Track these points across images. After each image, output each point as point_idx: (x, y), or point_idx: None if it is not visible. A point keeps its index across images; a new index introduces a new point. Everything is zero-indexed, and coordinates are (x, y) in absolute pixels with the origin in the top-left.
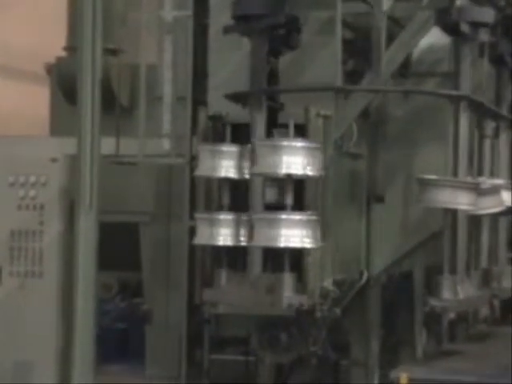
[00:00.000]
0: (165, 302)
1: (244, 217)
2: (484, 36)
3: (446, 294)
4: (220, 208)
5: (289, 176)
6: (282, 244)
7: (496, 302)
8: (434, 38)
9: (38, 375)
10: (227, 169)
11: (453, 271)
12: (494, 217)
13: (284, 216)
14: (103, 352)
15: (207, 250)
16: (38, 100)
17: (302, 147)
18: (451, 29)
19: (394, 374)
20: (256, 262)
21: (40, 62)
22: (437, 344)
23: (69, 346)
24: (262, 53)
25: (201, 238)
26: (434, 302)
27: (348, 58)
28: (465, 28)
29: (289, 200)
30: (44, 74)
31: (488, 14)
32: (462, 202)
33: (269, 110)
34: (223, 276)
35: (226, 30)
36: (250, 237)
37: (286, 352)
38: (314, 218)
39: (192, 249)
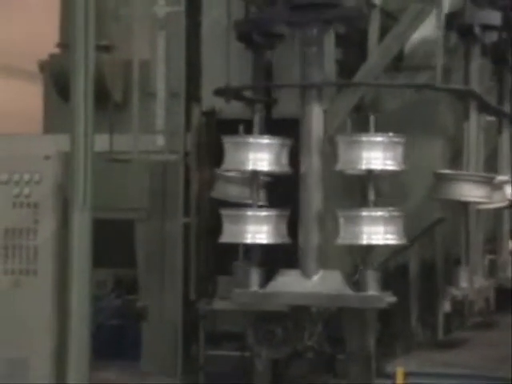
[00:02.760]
0: (160, 299)
1: (277, 213)
2: (492, 37)
3: (464, 283)
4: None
5: (369, 171)
6: (365, 241)
7: (491, 294)
8: (427, 31)
9: (33, 373)
10: (255, 162)
11: (466, 262)
12: (499, 209)
13: (365, 213)
14: (98, 349)
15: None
16: (30, 97)
17: (382, 142)
18: (462, 31)
19: (390, 367)
20: (312, 259)
21: (33, 59)
22: (432, 337)
23: (64, 344)
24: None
25: (227, 236)
26: (454, 291)
27: (341, 52)
28: (477, 31)
29: (371, 196)
30: (37, 71)
31: (496, 17)
32: (477, 195)
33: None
34: (254, 274)
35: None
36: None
37: (282, 347)
38: (396, 214)
39: (187, 245)
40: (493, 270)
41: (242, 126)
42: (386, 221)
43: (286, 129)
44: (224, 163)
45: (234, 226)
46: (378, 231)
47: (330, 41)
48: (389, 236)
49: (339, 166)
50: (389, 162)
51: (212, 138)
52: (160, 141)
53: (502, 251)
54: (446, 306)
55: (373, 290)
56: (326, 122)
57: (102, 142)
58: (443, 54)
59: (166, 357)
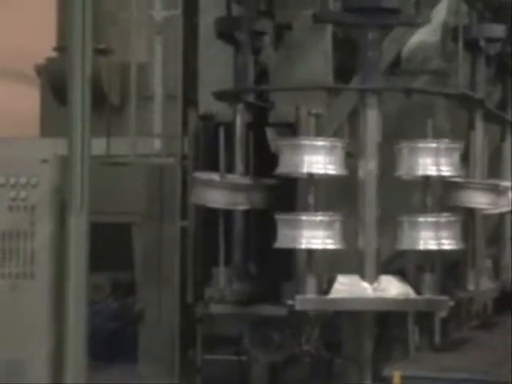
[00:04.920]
0: (157, 302)
1: (333, 217)
2: (497, 49)
3: (470, 286)
4: (304, 208)
5: (426, 178)
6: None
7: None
8: (424, 35)
9: (30, 375)
10: (310, 164)
11: (473, 265)
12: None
13: (424, 219)
14: (96, 352)
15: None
16: (27, 101)
17: (438, 148)
18: (468, 43)
19: (387, 371)
20: (373, 264)
21: (30, 62)
22: (430, 341)
23: (61, 347)
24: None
25: (282, 241)
26: (461, 293)
27: (339, 56)
28: (483, 44)
29: (429, 201)
30: (34, 74)
31: (500, 30)
32: (485, 202)
33: (259, 109)
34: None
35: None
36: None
37: (279, 351)
38: (452, 219)
39: (184, 249)
40: (496, 272)
41: (222, 128)
42: (442, 226)
43: (283, 133)
44: (279, 167)
45: (289, 230)
46: (434, 236)
47: (327, 43)
48: (444, 241)
49: (401, 172)
50: (444, 168)
51: (209, 141)
52: (157, 144)
53: (504, 254)
54: None
55: (430, 294)
56: (322, 127)
57: (99, 145)
58: (440, 58)
59: (163, 360)
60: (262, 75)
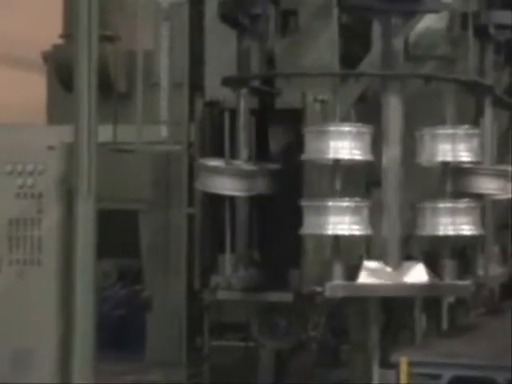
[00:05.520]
0: (164, 289)
1: (359, 203)
2: (506, 36)
3: (480, 271)
4: (330, 194)
5: (445, 164)
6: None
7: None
8: (431, 21)
9: (38, 362)
10: (337, 150)
11: (482, 250)
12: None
13: (449, 205)
14: (103, 339)
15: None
16: (34, 88)
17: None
18: (478, 30)
19: (394, 357)
20: (397, 251)
21: (36, 49)
22: (437, 327)
23: (69, 334)
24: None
25: (308, 228)
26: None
27: (345, 42)
28: (492, 31)
29: (449, 188)
30: (40, 61)
31: (509, 16)
32: (494, 187)
33: (266, 95)
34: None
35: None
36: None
37: (286, 338)
38: (472, 205)
39: (191, 235)
40: (505, 258)
41: (227, 114)
42: (461, 212)
43: (290, 119)
44: (305, 153)
45: (315, 217)
46: (457, 222)
47: (333, 30)
48: (463, 227)
49: (422, 159)
50: (464, 154)
51: (216, 128)
52: (164, 131)
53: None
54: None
55: (451, 279)
56: (329, 113)
57: (105, 132)
58: (447, 44)
59: (171, 347)
60: (269, 62)
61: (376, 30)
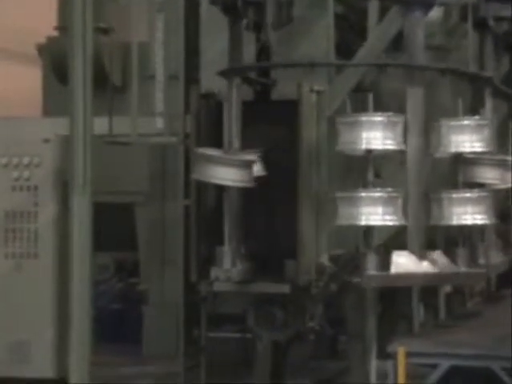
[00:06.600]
0: (161, 281)
1: (391, 194)
2: (505, 28)
3: (481, 259)
4: (364, 185)
5: (459, 154)
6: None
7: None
8: None
9: (34, 355)
10: (369, 140)
11: (482, 239)
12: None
13: (467, 195)
14: (100, 332)
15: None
16: (29, 80)
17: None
18: (477, 22)
19: (392, 347)
20: (422, 240)
21: (31, 42)
22: (434, 317)
23: (65, 327)
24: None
25: (342, 219)
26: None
27: (340, 33)
28: (491, 23)
29: (461, 178)
30: (35, 54)
31: (507, 9)
32: (494, 177)
33: (261, 86)
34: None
35: None
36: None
37: (283, 329)
38: (484, 194)
39: (187, 227)
40: (505, 246)
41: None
42: (476, 201)
43: (286, 110)
44: (337, 144)
45: (348, 208)
46: (469, 211)
47: (329, 20)
48: (477, 216)
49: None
50: (477, 145)
51: (211, 119)
52: (159, 123)
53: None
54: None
55: (465, 267)
56: (325, 103)
57: (101, 124)
58: (443, 34)
59: (168, 339)
60: (264, 52)
61: (372, 18)
